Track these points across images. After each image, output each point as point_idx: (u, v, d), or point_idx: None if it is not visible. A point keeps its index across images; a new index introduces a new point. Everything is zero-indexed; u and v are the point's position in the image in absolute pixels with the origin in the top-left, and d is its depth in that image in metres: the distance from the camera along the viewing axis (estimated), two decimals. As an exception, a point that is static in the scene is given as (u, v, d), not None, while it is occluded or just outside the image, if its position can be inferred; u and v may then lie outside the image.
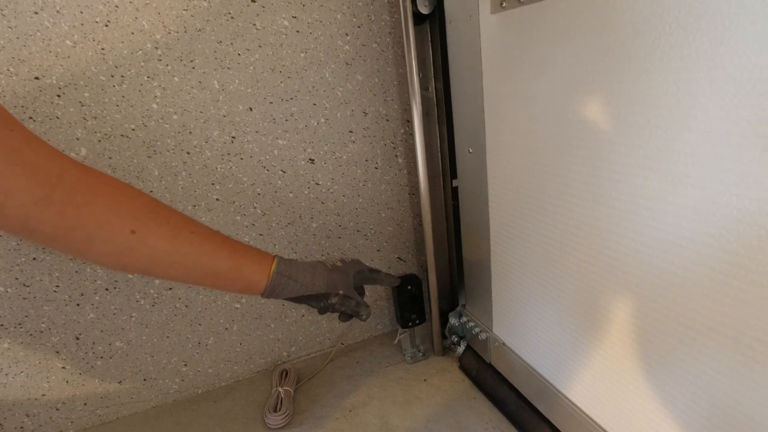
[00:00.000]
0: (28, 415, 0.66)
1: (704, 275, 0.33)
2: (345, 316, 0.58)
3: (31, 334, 0.62)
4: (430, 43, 0.65)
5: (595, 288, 0.45)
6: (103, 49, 0.55)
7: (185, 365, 0.74)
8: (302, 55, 0.65)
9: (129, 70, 0.57)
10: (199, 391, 0.76)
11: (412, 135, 0.67)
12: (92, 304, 0.64)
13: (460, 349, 0.78)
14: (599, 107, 0.38)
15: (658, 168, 0.35)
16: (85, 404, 0.69)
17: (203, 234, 0.45)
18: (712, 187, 0.31)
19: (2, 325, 0.61)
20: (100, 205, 0.38)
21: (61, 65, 0.54)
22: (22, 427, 0.66)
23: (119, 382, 0.70)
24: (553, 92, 0.43)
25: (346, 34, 0.67)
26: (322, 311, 0.55)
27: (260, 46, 0.63)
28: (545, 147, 0.46)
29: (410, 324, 0.75)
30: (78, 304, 0.64)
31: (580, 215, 0.44)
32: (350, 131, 0.72)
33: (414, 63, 0.61)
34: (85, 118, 0.57)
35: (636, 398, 0.43)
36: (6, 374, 0.63)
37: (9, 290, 0.60)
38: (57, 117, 0.56)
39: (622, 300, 0.42)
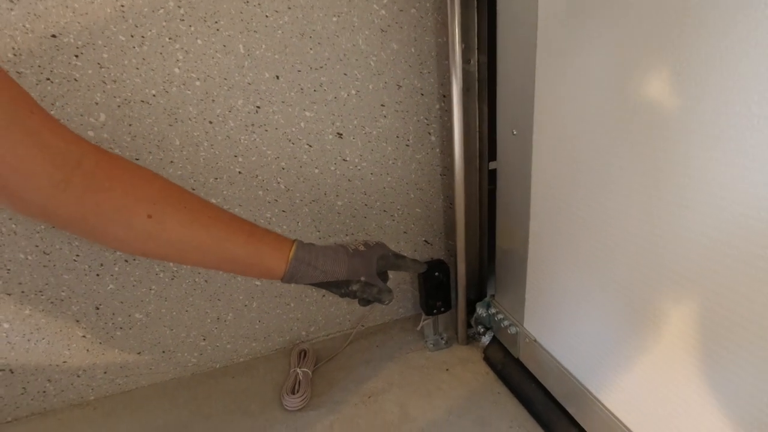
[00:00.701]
0: (50, 381, 0.66)
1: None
2: (365, 302, 0.56)
3: (51, 302, 0.62)
4: (476, 9, 0.59)
5: (649, 285, 0.40)
6: (122, 5, 0.51)
7: (204, 340, 0.73)
8: (334, 19, 0.60)
9: (150, 30, 0.53)
10: (217, 366, 0.76)
11: (448, 111, 0.62)
12: (112, 275, 0.63)
13: (485, 339, 0.74)
14: (674, 87, 0.33)
15: (733, 154, 0.30)
16: (105, 372, 0.69)
17: (221, 218, 0.43)
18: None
19: (23, 292, 0.60)
20: (117, 189, 0.37)
21: (78, 22, 0.51)
22: (44, 392, 0.67)
23: (138, 353, 0.69)
24: (622, 68, 0.37)
25: (383, -3, 0.61)
26: (343, 296, 0.53)
27: (290, 8, 0.57)
28: (604, 130, 0.41)
29: (435, 311, 0.72)
30: (98, 275, 0.62)
31: (640, 203, 0.39)
32: (382, 105, 0.67)
33: (457, 32, 0.55)
34: (104, 81, 0.54)
35: (686, 409, 0.39)
36: (28, 340, 0.63)
37: (29, 257, 0.59)
38: (75, 79, 0.53)
39: (683, 298, 0.37)
